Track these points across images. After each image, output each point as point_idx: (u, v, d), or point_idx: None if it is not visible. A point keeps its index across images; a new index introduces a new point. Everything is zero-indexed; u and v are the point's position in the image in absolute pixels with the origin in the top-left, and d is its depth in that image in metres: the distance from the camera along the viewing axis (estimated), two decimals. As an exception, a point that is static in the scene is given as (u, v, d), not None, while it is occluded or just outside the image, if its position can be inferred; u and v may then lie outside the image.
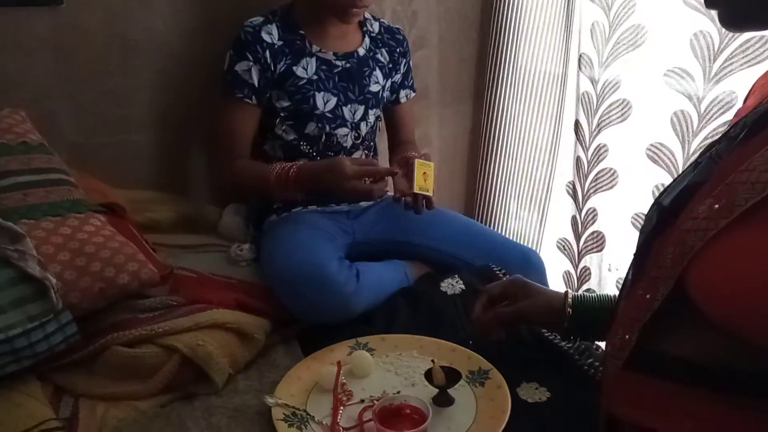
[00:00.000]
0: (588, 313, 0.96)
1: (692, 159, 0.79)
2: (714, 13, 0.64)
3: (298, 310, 1.22)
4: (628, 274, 0.75)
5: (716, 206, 0.56)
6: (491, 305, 1.05)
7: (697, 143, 1.42)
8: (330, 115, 1.42)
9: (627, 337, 0.67)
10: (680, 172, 1.09)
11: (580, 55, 1.66)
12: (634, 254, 0.73)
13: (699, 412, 0.61)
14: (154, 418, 0.97)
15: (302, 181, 1.29)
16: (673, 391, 0.62)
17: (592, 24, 1.61)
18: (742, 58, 1.30)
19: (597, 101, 1.65)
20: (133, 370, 1.01)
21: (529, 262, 1.46)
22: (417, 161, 1.30)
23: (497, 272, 1.34)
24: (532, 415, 0.95)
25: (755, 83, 0.78)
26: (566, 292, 0.99)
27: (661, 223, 0.67)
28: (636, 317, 0.66)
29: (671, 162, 1.50)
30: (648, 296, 0.64)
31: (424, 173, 1.30)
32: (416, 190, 1.28)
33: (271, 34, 1.37)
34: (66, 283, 0.99)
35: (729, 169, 0.58)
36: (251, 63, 1.35)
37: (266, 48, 1.35)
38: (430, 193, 1.29)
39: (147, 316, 1.08)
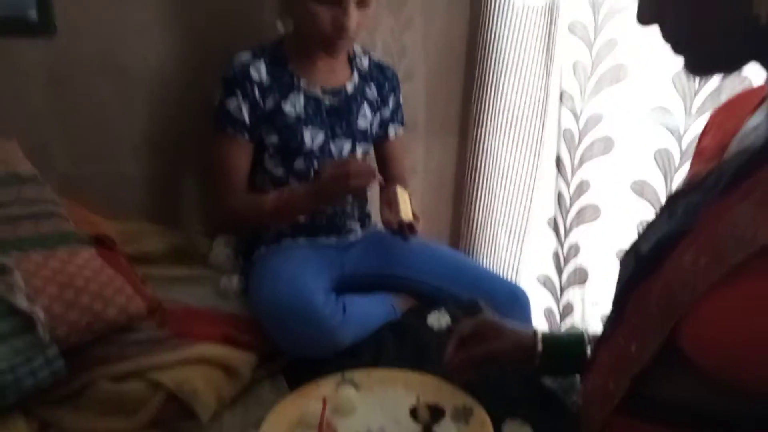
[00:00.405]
0: (558, 350, 0.97)
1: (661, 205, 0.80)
2: None
3: (285, 343, 1.23)
4: (606, 321, 0.77)
5: (703, 260, 0.58)
6: (462, 345, 1.06)
7: (679, 179, 1.46)
8: (318, 152, 1.43)
9: (611, 386, 0.67)
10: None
11: (562, 92, 1.70)
12: (613, 301, 0.75)
13: None
14: (138, 455, 0.97)
15: (305, 191, 1.34)
16: None
17: (574, 62, 1.65)
18: (723, 95, 1.33)
19: (579, 137, 1.68)
20: (118, 406, 1.01)
21: (515, 299, 1.48)
22: (399, 189, 1.34)
23: (483, 306, 1.35)
24: (516, 453, 0.96)
25: (711, 119, 0.79)
26: (535, 331, 1.00)
27: (640, 271, 0.68)
28: (618, 367, 0.67)
29: (655, 198, 1.54)
30: (633, 347, 0.65)
31: (405, 201, 1.34)
32: (403, 217, 1.31)
33: (259, 71, 1.38)
34: (54, 316, 0.98)
35: (711, 222, 0.60)
36: (241, 100, 1.36)
37: (255, 85, 1.37)
38: (411, 219, 1.32)
39: (134, 350, 1.07)
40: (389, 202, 1.36)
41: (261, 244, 1.46)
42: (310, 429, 1.01)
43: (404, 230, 1.32)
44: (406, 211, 1.31)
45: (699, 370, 0.58)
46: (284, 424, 1.02)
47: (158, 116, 1.54)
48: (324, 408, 1.04)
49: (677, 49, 0.64)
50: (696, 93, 1.41)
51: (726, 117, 0.75)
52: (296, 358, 1.23)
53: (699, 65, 0.65)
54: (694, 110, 1.42)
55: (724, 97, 1.34)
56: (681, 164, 1.48)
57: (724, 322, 0.56)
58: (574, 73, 1.65)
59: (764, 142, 0.61)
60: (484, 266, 1.86)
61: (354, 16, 1.29)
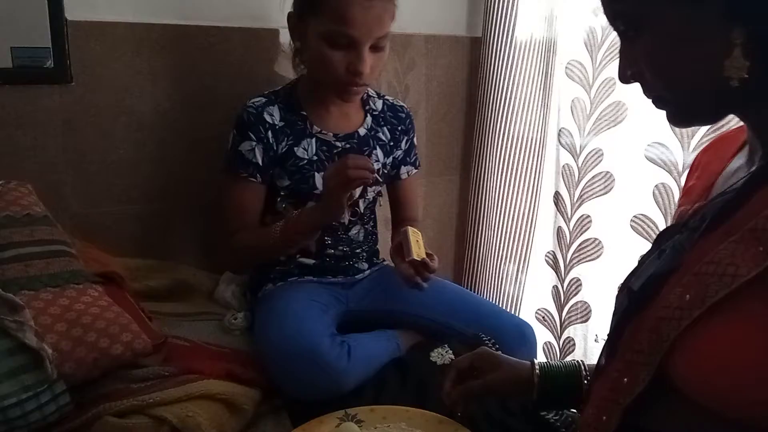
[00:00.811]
0: (556, 381, 0.97)
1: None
2: None
3: (288, 385, 1.22)
4: (601, 355, 0.78)
5: (687, 297, 0.60)
6: (460, 379, 1.06)
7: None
8: None
9: (604, 418, 0.69)
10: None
11: (560, 130, 1.73)
12: (608, 336, 0.76)
13: None
14: (141, 490, 0.98)
15: (311, 207, 1.33)
16: None
17: (573, 100, 1.68)
18: (720, 128, 1.35)
19: (579, 173, 1.70)
20: (123, 441, 1.02)
21: (522, 335, 1.47)
22: (409, 230, 1.32)
23: (487, 342, 1.36)
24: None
25: (698, 159, 0.82)
26: (532, 362, 1.00)
27: (632, 306, 0.71)
28: (612, 399, 0.68)
29: (654, 233, 1.55)
30: (626, 380, 0.66)
31: (417, 240, 1.32)
32: (415, 257, 1.28)
33: (273, 115, 1.38)
34: (61, 353, 1.01)
35: (695, 261, 0.62)
36: (254, 143, 1.36)
37: (268, 128, 1.37)
38: (426, 259, 1.29)
39: (139, 386, 1.09)
40: (400, 244, 1.35)
41: (268, 282, 1.48)
42: (312, 466, 1.02)
43: (419, 271, 1.29)
44: (418, 251, 1.29)
45: (690, 402, 0.60)
46: (286, 459, 1.03)
47: (169, 160, 1.59)
48: (326, 444, 1.05)
49: (658, 104, 0.68)
50: (695, 130, 1.43)
51: (711, 157, 0.79)
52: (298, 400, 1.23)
53: (677, 119, 0.69)
54: (692, 147, 1.44)
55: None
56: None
57: (711, 357, 0.58)
58: (572, 111, 1.69)
59: (741, 186, 0.64)
60: (489, 302, 1.86)
61: (368, 60, 1.28)
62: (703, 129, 1.41)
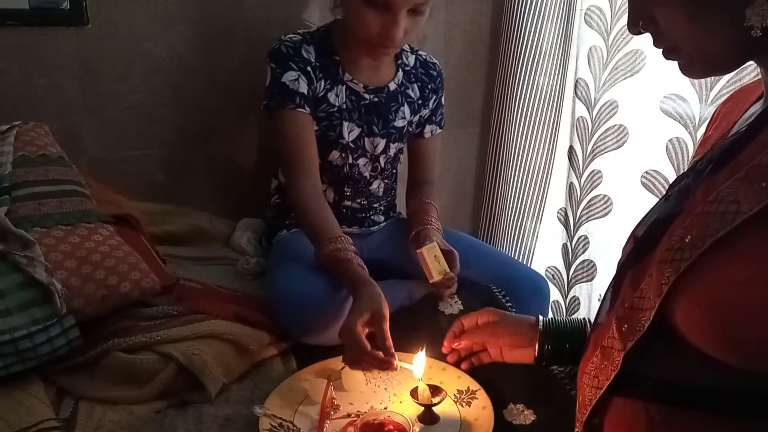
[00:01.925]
0: (560, 337, 0.96)
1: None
2: None
3: (295, 330, 1.22)
4: (603, 302, 0.77)
5: (688, 237, 0.58)
6: (463, 333, 1.06)
7: None
8: (353, 146, 1.41)
9: (605, 364, 0.68)
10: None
11: (577, 80, 1.66)
12: (611, 282, 0.75)
13: None
14: (147, 423, 1.00)
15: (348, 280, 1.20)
16: (661, 413, 0.63)
17: (590, 49, 1.61)
18: (738, 81, 1.29)
19: (592, 127, 1.65)
20: (131, 376, 1.04)
21: (537, 287, 1.46)
22: (424, 251, 1.28)
23: (497, 293, 1.35)
24: (515, 437, 0.96)
25: (718, 110, 0.80)
26: (537, 317, 1.00)
27: (636, 253, 0.69)
28: (613, 345, 0.67)
29: (665, 189, 1.50)
30: (626, 326, 0.65)
31: (435, 256, 1.29)
32: (437, 278, 1.28)
33: (310, 53, 1.34)
34: (71, 289, 1.03)
35: (698, 202, 0.60)
36: (298, 73, 1.31)
37: (307, 63, 1.33)
38: (449, 272, 1.29)
39: (147, 324, 1.11)
40: (418, 234, 1.34)
41: (283, 228, 1.48)
42: (315, 405, 1.03)
43: (445, 285, 1.30)
44: (439, 270, 1.28)
45: (690, 348, 0.58)
46: (289, 399, 1.04)
47: (185, 105, 1.59)
48: (328, 385, 1.06)
49: (670, 55, 0.65)
50: (713, 82, 1.37)
51: (730, 108, 0.77)
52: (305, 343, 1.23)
53: (692, 69, 0.66)
54: (710, 99, 1.37)
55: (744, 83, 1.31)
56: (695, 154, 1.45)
57: (710, 298, 0.56)
58: (589, 60, 1.62)
59: (747, 127, 0.62)
60: (505, 253, 1.84)
61: (403, 25, 1.24)
62: (723, 80, 1.34)
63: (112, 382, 1.05)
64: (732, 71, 0.67)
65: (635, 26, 0.66)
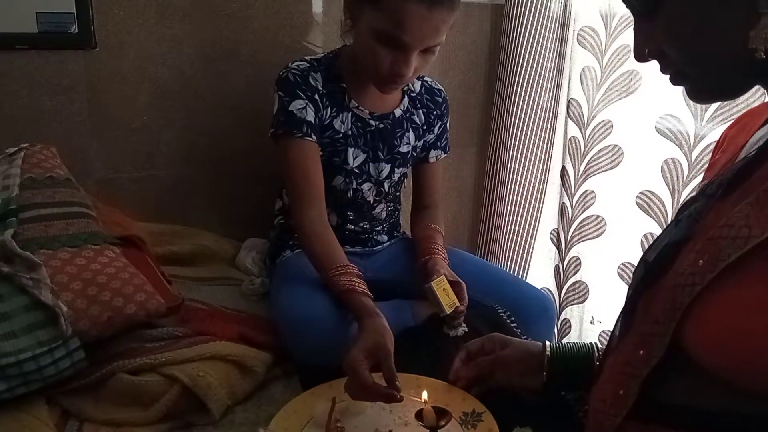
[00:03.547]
0: (568, 362, 0.96)
1: (673, 215, 0.81)
2: None
3: (299, 351, 1.22)
4: (615, 329, 0.76)
5: (700, 262, 0.58)
6: (470, 360, 1.06)
7: (687, 193, 1.42)
8: (357, 171, 1.42)
9: (621, 392, 0.67)
10: (668, 222, 1.10)
11: (569, 100, 1.67)
12: (622, 309, 0.75)
13: None
14: (151, 446, 1.00)
15: (350, 302, 1.19)
16: None
17: (583, 69, 1.62)
18: (734, 106, 1.29)
19: (585, 147, 1.65)
20: (135, 398, 1.05)
21: (543, 308, 1.45)
22: (433, 285, 1.28)
23: (501, 314, 1.35)
24: (521, 460, 0.95)
25: (725, 133, 0.80)
26: (544, 342, 0.99)
27: (648, 278, 0.69)
28: (629, 372, 0.67)
29: (660, 211, 1.49)
30: (642, 352, 0.65)
31: (444, 289, 1.29)
32: (448, 312, 1.28)
33: (317, 81, 1.35)
34: (76, 311, 1.04)
35: (710, 226, 0.61)
36: (305, 101, 1.32)
37: (314, 92, 1.34)
38: (458, 304, 1.29)
39: (152, 345, 1.12)
40: (424, 265, 1.35)
41: (287, 249, 1.49)
42: (319, 427, 1.03)
43: (458, 321, 1.31)
44: (448, 303, 1.28)
45: (706, 374, 0.58)
46: (294, 421, 1.04)
47: (191, 125, 1.61)
48: (333, 407, 1.05)
49: (677, 81, 0.65)
50: (707, 106, 1.37)
51: (737, 132, 0.77)
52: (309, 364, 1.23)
53: (699, 95, 0.66)
54: (705, 119, 1.37)
55: (737, 108, 1.31)
56: (690, 175, 1.44)
57: (724, 323, 0.56)
58: (582, 81, 1.63)
59: (757, 151, 0.62)
60: (510, 273, 1.84)
61: (413, 65, 1.24)
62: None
63: (116, 404, 1.05)
64: (739, 96, 0.67)
65: (641, 55, 0.67)
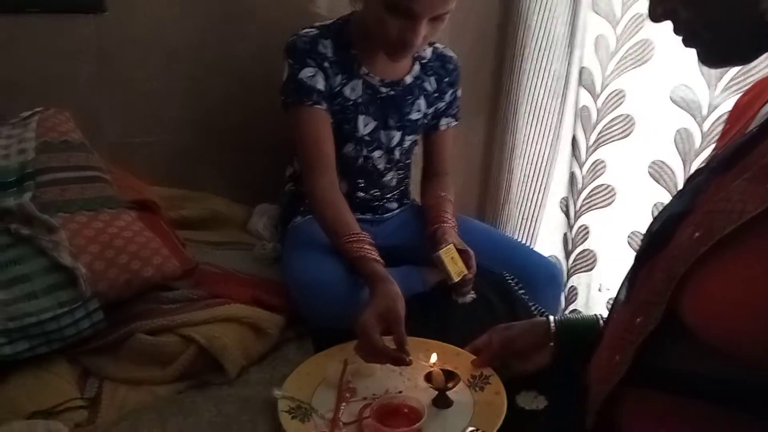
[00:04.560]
0: (573, 333, 0.98)
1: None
2: None
3: (310, 314, 1.25)
4: (618, 296, 0.78)
5: (697, 234, 0.60)
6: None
7: (698, 164, 1.42)
8: (368, 138, 1.42)
9: (617, 358, 0.69)
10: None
11: (582, 69, 1.66)
12: (624, 278, 0.76)
13: (697, 423, 0.63)
14: (169, 403, 1.03)
15: (361, 266, 1.20)
16: (671, 403, 0.65)
17: (597, 37, 1.61)
18: (749, 75, 1.28)
19: (597, 116, 1.64)
20: (153, 357, 1.08)
21: (551, 276, 1.47)
22: (442, 253, 1.28)
23: (509, 281, 1.37)
24: (528, 422, 0.97)
25: (739, 101, 0.80)
26: (548, 316, 1.02)
27: (649, 249, 0.71)
28: (626, 338, 0.69)
29: (671, 180, 1.50)
30: (639, 320, 0.67)
31: (452, 258, 1.30)
32: (456, 280, 1.28)
33: (327, 48, 1.34)
34: (95, 273, 1.06)
35: (708, 200, 0.62)
36: (315, 69, 1.31)
37: (324, 59, 1.33)
38: (466, 272, 1.29)
39: (169, 307, 1.14)
40: (433, 234, 1.36)
41: (297, 215, 1.50)
42: (331, 388, 1.06)
43: (466, 289, 1.31)
44: (456, 272, 1.29)
45: (699, 340, 0.60)
46: (307, 382, 1.07)
47: (201, 91, 1.60)
48: (344, 369, 1.09)
49: (689, 43, 0.65)
50: (723, 73, 1.36)
51: (751, 100, 0.77)
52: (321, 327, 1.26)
53: (711, 58, 0.67)
54: (719, 89, 1.37)
55: (751, 78, 1.30)
56: (702, 145, 1.44)
57: (719, 295, 0.58)
58: (596, 49, 1.61)
59: (760, 126, 0.63)
60: (519, 241, 1.85)
61: (422, 33, 1.23)
62: (732, 71, 1.34)
63: (135, 363, 1.08)
64: (749, 62, 0.67)
65: (655, 15, 0.67)
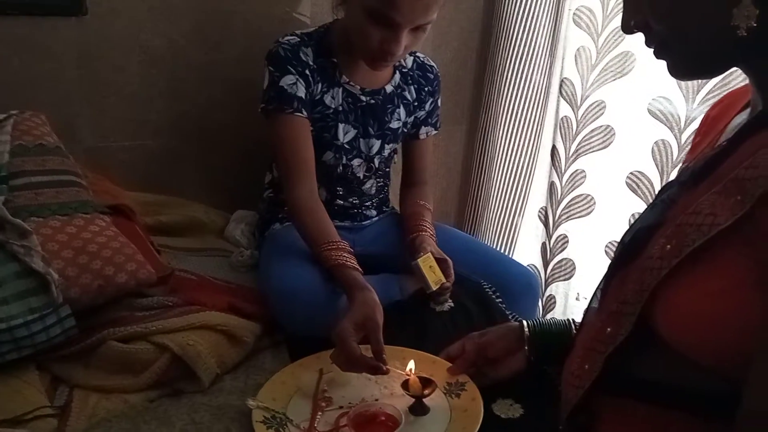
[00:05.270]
0: (546, 337, 0.99)
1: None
2: None
3: (287, 322, 1.24)
4: (591, 303, 0.79)
5: (668, 247, 0.61)
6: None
7: (674, 175, 1.46)
8: (348, 147, 1.42)
9: (586, 366, 0.70)
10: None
11: (562, 80, 1.68)
12: (597, 287, 0.77)
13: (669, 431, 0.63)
14: (141, 412, 1.02)
15: (339, 275, 1.20)
16: (643, 411, 0.65)
17: (578, 49, 1.63)
18: (727, 89, 1.31)
19: (577, 126, 1.67)
20: (125, 365, 1.06)
21: (528, 284, 1.48)
22: (420, 262, 1.29)
23: (487, 289, 1.37)
24: (504, 431, 0.98)
25: (707, 114, 0.81)
26: (521, 321, 1.02)
27: (621, 260, 0.71)
28: (595, 348, 0.70)
29: (648, 191, 1.52)
30: (609, 329, 0.67)
31: (430, 266, 1.30)
32: (434, 288, 1.29)
33: (308, 56, 1.34)
34: (67, 278, 1.04)
35: (679, 212, 0.63)
36: (296, 77, 1.31)
37: (305, 67, 1.33)
38: (444, 281, 1.30)
39: (143, 314, 1.13)
40: (412, 242, 1.36)
41: (276, 222, 1.49)
42: (307, 398, 1.05)
43: (443, 297, 1.32)
44: (434, 280, 1.29)
45: (670, 350, 0.60)
46: (282, 391, 1.06)
47: (182, 95, 1.59)
48: (320, 378, 1.08)
49: (660, 54, 0.66)
50: (700, 86, 1.39)
51: (720, 113, 0.78)
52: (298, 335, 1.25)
53: (680, 70, 0.68)
54: (696, 102, 1.39)
55: (729, 90, 1.32)
56: (679, 157, 1.46)
57: (690, 307, 0.58)
58: (576, 61, 1.63)
59: (729, 139, 0.64)
60: (496, 249, 1.86)
61: (404, 42, 1.24)
62: (710, 84, 1.36)
63: (107, 370, 1.06)
64: (718, 75, 0.69)
65: (627, 27, 0.68)
